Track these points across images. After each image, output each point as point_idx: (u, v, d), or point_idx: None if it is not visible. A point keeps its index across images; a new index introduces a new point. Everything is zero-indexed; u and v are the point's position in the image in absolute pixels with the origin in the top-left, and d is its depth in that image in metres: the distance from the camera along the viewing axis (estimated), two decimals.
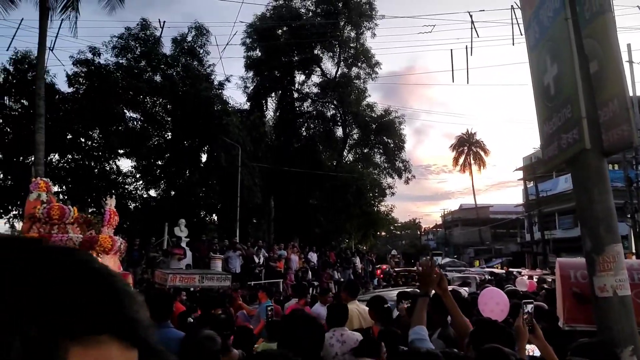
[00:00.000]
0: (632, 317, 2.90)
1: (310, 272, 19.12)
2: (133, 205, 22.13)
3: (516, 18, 12.21)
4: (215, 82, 23.45)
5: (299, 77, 30.12)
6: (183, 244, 15.49)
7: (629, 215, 23.57)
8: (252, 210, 23.55)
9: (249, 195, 21.46)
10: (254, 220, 27.68)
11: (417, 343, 2.74)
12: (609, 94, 3.04)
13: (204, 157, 23.27)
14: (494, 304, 4.50)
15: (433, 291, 3.23)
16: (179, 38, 22.96)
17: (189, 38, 23.10)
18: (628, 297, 2.93)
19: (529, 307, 2.79)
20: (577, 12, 3.18)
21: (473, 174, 57.48)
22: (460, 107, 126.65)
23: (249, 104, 28.66)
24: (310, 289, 16.93)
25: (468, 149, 57.82)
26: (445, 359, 2.75)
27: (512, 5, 11.17)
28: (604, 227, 3.02)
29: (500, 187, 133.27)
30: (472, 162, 57.48)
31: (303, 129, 30.08)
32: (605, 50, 3.07)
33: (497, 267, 33.30)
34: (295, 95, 30.21)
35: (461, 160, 58.09)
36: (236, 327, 5.16)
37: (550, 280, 14.08)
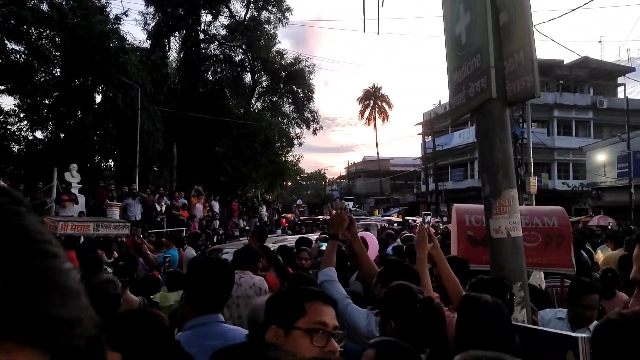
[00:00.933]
0: (522, 256, 3.13)
1: (217, 221, 18.88)
2: (17, 147, 20.05)
3: None
4: (112, 16, 21.38)
5: (206, 17, 28.47)
6: (75, 190, 14.43)
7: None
8: (153, 157, 22.40)
9: (150, 140, 20.33)
10: (155, 168, 26.44)
11: (326, 285, 2.76)
12: (516, 45, 3.13)
13: (98, 98, 21.43)
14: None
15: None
16: None
17: None
18: (520, 238, 3.15)
19: (429, 218, 2.91)
20: None
21: (377, 128, 59.44)
22: (368, 59, 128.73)
23: (149, 42, 26.62)
24: (215, 237, 16.83)
25: (374, 102, 59.36)
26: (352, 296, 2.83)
27: None
28: (502, 173, 3.18)
29: (402, 140, 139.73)
30: (377, 115, 59.28)
31: (209, 73, 28.77)
32: (515, 2, 3.14)
33: (394, 216, 35.30)
34: (201, 36, 28.58)
35: (366, 113, 59.67)
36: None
37: (442, 227, 15.23)
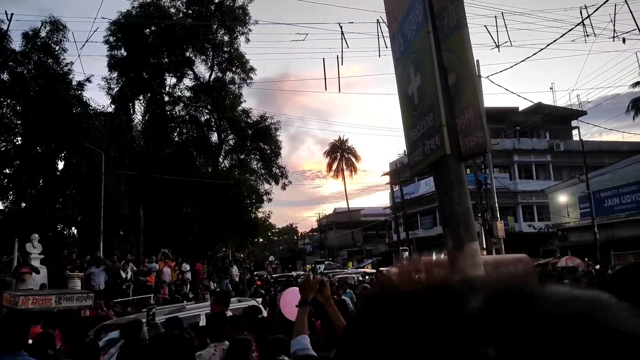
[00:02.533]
0: None
1: (188, 285, 18.30)
2: None
3: (382, 31, 12.96)
4: (74, 83, 21.41)
5: (170, 80, 28.91)
6: (35, 262, 13.82)
7: (479, 215, 26.33)
8: (118, 222, 21.87)
9: (115, 205, 19.90)
10: (121, 232, 25.74)
11: (299, 353, 2.69)
12: (466, 103, 3.28)
13: (60, 165, 21.04)
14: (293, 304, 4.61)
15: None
16: (30, 33, 20.49)
17: (43, 33, 20.74)
18: None
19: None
20: (437, 26, 3.39)
21: (345, 179, 60.10)
22: (333, 114, 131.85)
23: (113, 106, 26.71)
24: (186, 302, 16.24)
25: (341, 155, 60.30)
26: None
27: (377, 20, 11.82)
28: (464, 227, 3.23)
29: (370, 191, 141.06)
30: (345, 167, 60.08)
31: (175, 134, 28.86)
32: (461, 63, 3.31)
33: (367, 267, 35.09)
34: (166, 98, 28.89)
35: (334, 166, 60.42)
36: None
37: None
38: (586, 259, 20.99)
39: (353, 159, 60.49)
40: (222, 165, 30.44)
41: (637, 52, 53.23)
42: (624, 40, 12.79)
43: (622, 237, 24.58)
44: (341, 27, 12.39)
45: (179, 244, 23.88)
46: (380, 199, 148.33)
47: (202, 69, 29.00)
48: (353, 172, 60.64)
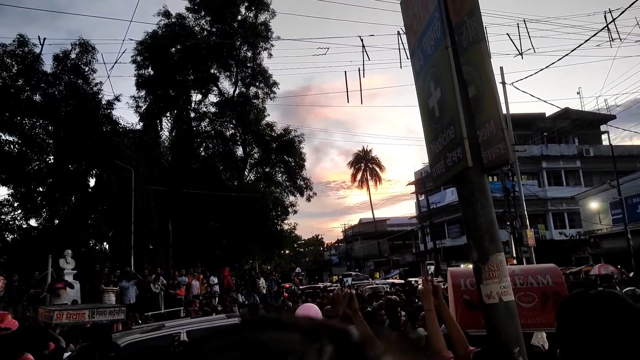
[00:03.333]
0: (516, 320, 3.13)
1: (216, 298, 18.49)
2: (11, 237, 19.96)
3: (402, 42, 13.02)
4: (104, 102, 22.11)
5: (196, 97, 29.53)
6: (69, 277, 14.21)
7: (508, 223, 25.90)
8: (148, 236, 22.33)
9: (144, 220, 20.34)
10: (151, 247, 26.25)
11: None
12: (486, 115, 3.30)
13: (92, 182, 21.68)
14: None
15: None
16: (61, 55, 21.31)
17: (73, 55, 21.54)
18: (512, 302, 3.16)
19: (431, 268, 2.92)
20: (456, 41, 3.44)
21: (370, 189, 59.88)
22: (356, 125, 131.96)
23: (141, 124, 27.36)
24: (214, 314, 16.40)
25: (365, 165, 60.17)
26: None
27: (398, 31, 11.87)
28: (488, 238, 3.24)
29: (396, 200, 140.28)
30: (369, 177, 59.89)
31: (201, 149, 29.37)
32: (481, 76, 3.34)
33: (395, 278, 34.80)
34: (192, 114, 29.47)
35: (359, 176, 60.28)
36: None
37: (444, 287, 15.02)
38: (619, 267, 20.38)
39: (377, 169, 60.32)
40: (248, 179, 30.81)
41: None
42: None
43: None
44: (362, 40, 12.51)
45: (206, 258, 24.20)
46: (406, 209, 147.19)
47: (226, 85, 29.59)
48: (378, 182, 60.42)
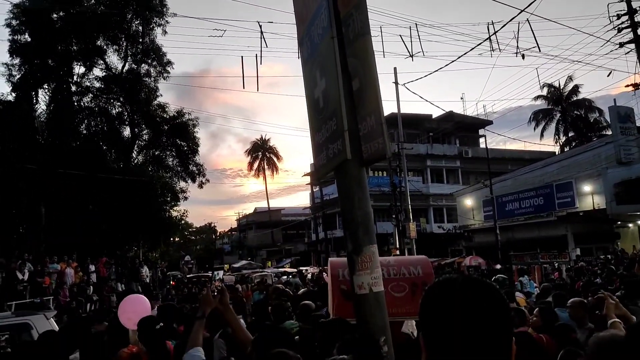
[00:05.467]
0: (384, 311, 3.22)
1: (91, 287, 17.23)
2: None
3: None
4: None
5: (79, 69, 27.08)
6: None
7: (393, 216, 27.29)
8: (17, 218, 20.11)
9: (12, 200, 18.29)
10: (21, 230, 23.73)
11: None
12: (368, 110, 3.33)
13: None
14: (132, 311, 4.58)
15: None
16: None
17: None
18: (382, 293, 3.25)
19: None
20: (342, 32, 3.43)
21: (267, 179, 59.78)
22: (255, 114, 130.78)
23: (14, 95, 24.59)
24: (89, 305, 15.30)
25: (262, 154, 59.86)
26: None
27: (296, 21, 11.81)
28: (363, 230, 3.29)
29: (292, 191, 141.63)
30: (266, 167, 59.75)
31: (83, 127, 27.06)
32: (365, 70, 3.36)
33: (287, 267, 35.23)
34: (74, 88, 26.99)
35: (256, 165, 59.88)
36: None
37: (325, 275, 15.53)
38: (488, 259, 22.49)
39: (275, 159, 60.34)
40: (136, 161, 29.04)
41: (537, 68, 58.04)
42: (523, 56, 13.85)
43: (520, 238, 26.67)
44: (260, 27, 12.26)
45: (85, 244, 22.39)
46: (301, 199, 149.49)
47: (114, 60, 27.49)
48: (274, 172, 60.51)
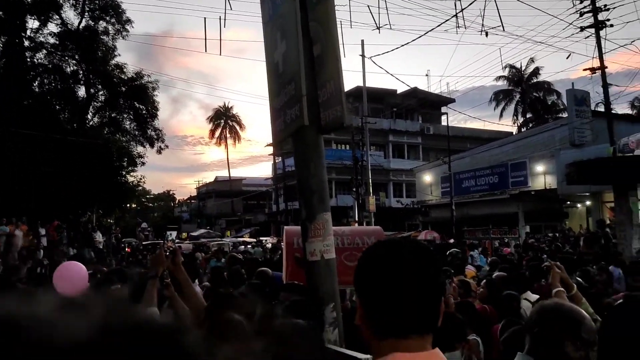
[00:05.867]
0: (334, 278, 3.25)
1: (42, 251, 16.71)
2: None
3: None
4: None
5: (32, 24, 25.53)
6: None
7: (354, 189, 27.59)
8: None
9: None
10: None
11: None
12: (327, 76, 3.28)
13: None
14: (69, 278, 4.55)
15: None
16: None
17: None
18: (333, 260, 3.27)
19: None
20: None
21: (229, 147, 58.92)
22: (219, 80, 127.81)
23: None
24: (40, 269, 14.85)
25: (225, 122, 58.77)
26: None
27: None
28: (317, 198, 3.28)
29: (254, 161, 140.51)
30: (228, 135, 58.78)
31: (36, 84, 25.72)
32: (326, 35, 3.29)
33: (246, 236, 35.25)
34: (27, 43, 25.50)
35: (217, 133, 58.79)
36: None
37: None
38: (443, 234, 23.16)
39: (237, 127, 59.39)
40: (91, 123, 27.96)
41: (501, 48, 58.94)
42: (487, 34, 14.01)
43: (474, 215, 27.50)
44: None
45: (36, 207, 21.57)
46: (263, 170, 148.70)
47: (70, 15, 26.02)
48: (237, 141, 59.63)
